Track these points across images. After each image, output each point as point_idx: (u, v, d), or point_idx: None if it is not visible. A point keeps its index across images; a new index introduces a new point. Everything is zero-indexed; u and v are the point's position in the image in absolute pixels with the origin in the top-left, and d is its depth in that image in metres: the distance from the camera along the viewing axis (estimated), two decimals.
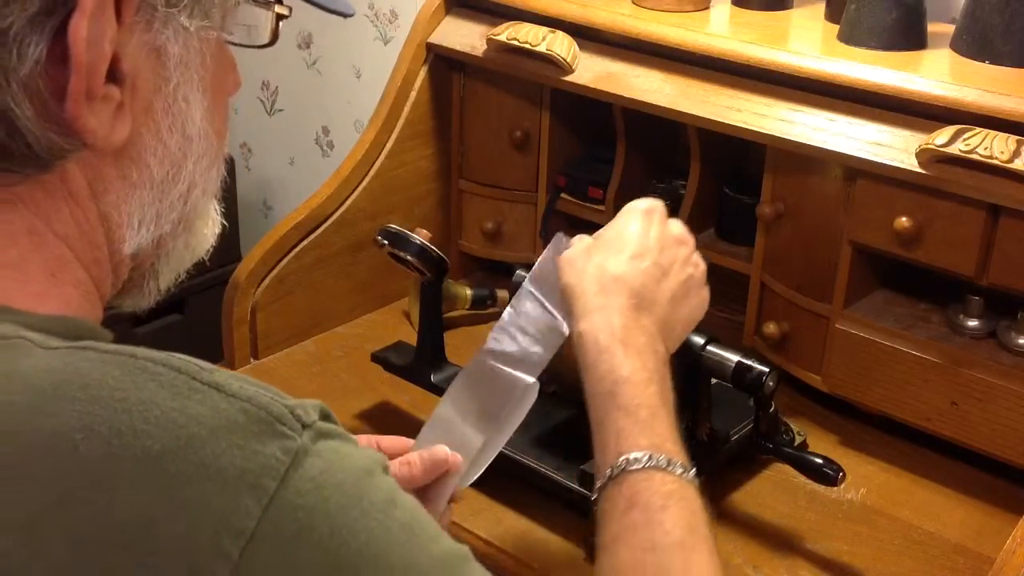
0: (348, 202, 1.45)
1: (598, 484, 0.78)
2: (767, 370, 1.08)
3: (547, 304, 0.98)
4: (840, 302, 1.20)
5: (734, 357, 1.08)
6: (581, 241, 0.93)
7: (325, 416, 0.53)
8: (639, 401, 0.80)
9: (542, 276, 0.99)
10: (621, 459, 0.77)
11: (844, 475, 1.05)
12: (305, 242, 1.42)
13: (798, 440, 1.20)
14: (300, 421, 0.51)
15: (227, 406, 0.50)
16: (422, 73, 1.49)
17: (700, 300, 0.93)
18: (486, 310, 1.49)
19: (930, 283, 1.20)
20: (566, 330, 0.94)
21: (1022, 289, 1.08)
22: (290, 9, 0.69)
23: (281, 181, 2.33)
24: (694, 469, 0.78)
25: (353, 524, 0.50)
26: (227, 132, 0.68)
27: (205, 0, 0.60)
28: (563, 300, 0.91)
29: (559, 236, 1.00)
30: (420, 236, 1.27)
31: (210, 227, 0.69)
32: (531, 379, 0.95)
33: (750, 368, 1.07)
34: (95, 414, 0.48)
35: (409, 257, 1.27)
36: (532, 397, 0.96)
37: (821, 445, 1.22)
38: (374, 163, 1.47)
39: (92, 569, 0.46)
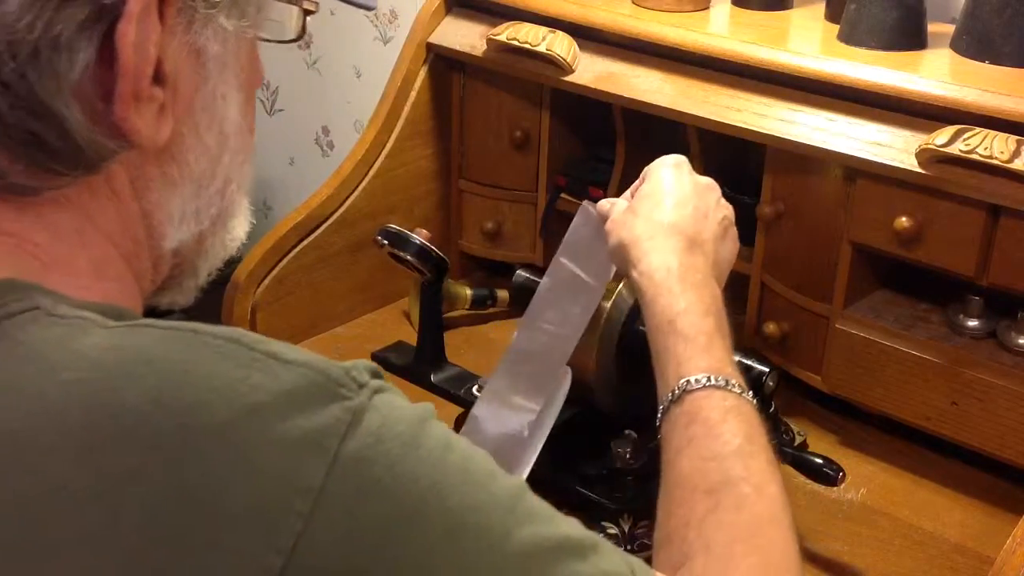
0: (348, 202, 1.45)
1: (661, 408, 0.84)
2: (767, 370, 1.08)
3: (578, 269, 1.05)
4: (840, 302, 1.20)
5: (734, 357, 1.08)
6: (617, 204, 1.00)
7: (375, 374, 0.55)
8: (697, 329, 0.86)
9: (573, 244, 1.05)
10: (682, 381, 0.83)
11: (844, 475, 1.05)
12: (305, 242, 1.42)
13: (798, 440, 1.20)
14: (356, 381, 0.53)
15: (286, 373, 0.52)
16: (422, 73, 1.49)
17: (734, 240, 1.01)
18: (486, 310, 1.49)
19: (930, 283, 1.20)
20: (601, 289, 1.04)
21: (1022, 289, 1.08)
22: (317, 4, 0.70)
23: (281, 181, 2.33)
24: (751, 391, 0.83)
25: (413, 471, 0.52)
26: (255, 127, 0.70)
27: (242, 0, 0.62)
28: (617, 257, 0.98)
29: (586, 203, 1.08)
30: (420, 236, 1.27)
31: (242, 223, 0.71)
32: (560, 369, 1.03)
33: (750, 368, 1.07)
34: (162, 388, 0.50)
35: (409, 257, 1.27)
36: (567, 384, 1.02)
37: (821, 445, 1.22)
38: (374, 163, 1.47)
39: (169, 535, 0.48)
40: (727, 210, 1.00)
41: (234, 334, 0.53)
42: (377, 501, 0.51)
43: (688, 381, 0.83)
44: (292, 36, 0.71)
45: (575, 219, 1.09)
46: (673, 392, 0.83)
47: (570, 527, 0.59)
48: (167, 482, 0.48)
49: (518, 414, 1.01)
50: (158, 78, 0.58)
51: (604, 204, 1.03)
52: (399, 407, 0.55)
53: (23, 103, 0.54)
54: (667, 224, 0.94)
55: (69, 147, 0.56)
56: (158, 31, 0.57)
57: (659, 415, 0.85)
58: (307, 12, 0.70)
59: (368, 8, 0.75)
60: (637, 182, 1.02)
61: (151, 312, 0.64)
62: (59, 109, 0.54)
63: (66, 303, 0.55)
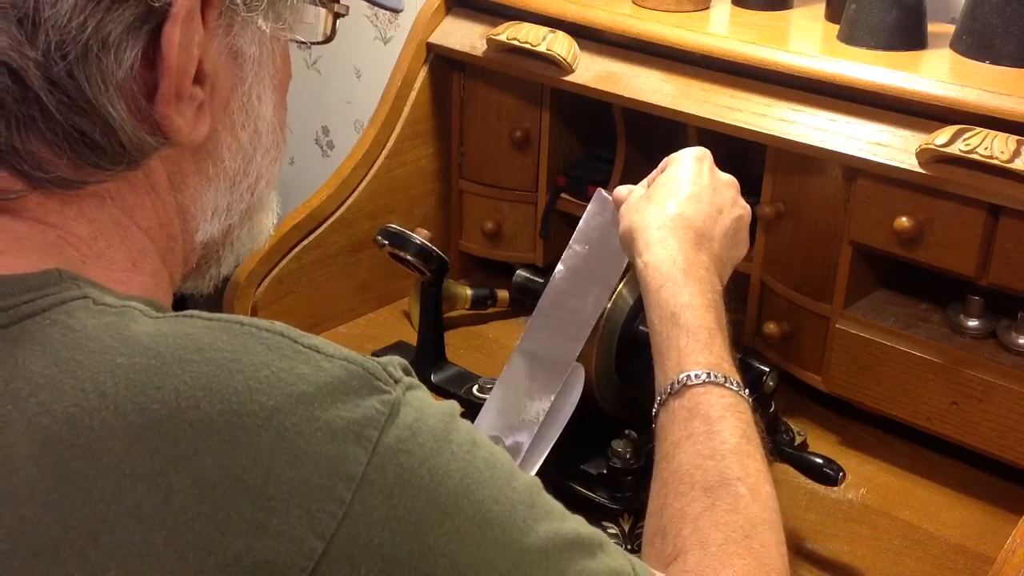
0: (348, 202, 1.45)
1: (658, 399, 0.85)
2: (767, 370, 1.08)
3: (591, 257, 1.06)
4: (840, 302, 1.20)
5: (733, 354, 1.08)
6: (634, 191, 1.01)
7: (407, 371, 0.58)
8: (699, 324, 0.87)
9: (586, 231, 1.05)
10: (683, 375, 0.84)
11: (844, 475, 1.05)
12: (305, 242, 1.42)
13: (798, 440, 1.20)
14: (392, 376, 0.56)
15: (329, 365, 0.54)
16: (422, 73, 1.48)
17: (745, 241, 1.01)
18: (486, 310, 1.49)
19: (930, 283, 1.20)
20: (615, 278, 1.04)
21: (1022, 289, 1.08)
22: (347, 8, 0.73)
23: (281, 181, 2.33)
24: (748, 389, 0.85)
25: (447, 465, 0.55)
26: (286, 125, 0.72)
27: (279, 3, 0.64)
28: (625, 241, 0.97)
29: (600, 191, 1.09)
30: (420, 236, 1.27)
31: (270, 218, 0.74)
32: (575, 357, 1.04)
33: (750, 368, 1.08)
34: (212, 374, 0.52)
35: (409, 257, 1.27)
36: (580, 383, 1.01)
37: (821, 445, 1.22)
38: (374, 163, 1.47)
39: (217, 514, 0.50)
40: (743, 210, 1.01)
41: (277, 327, 0.55)
42: (413, 492, 0.53)
43: (689, 376, 0.84)
44: (320, 39, 0.73)
45: (589, 206, 1.09)
46: (672, 385, 0.84)
47: (579, 524, 0.61)
48: (216, 465, 0.50)
49: (532, 407, 1.02)
50: (198, 78, 0.60)
51: (621, 190, 1.04)
52: (430, 403, 0.57)
53: (70, 101, 0.56)
54: (679, 215, 0.94)
55: (113, 144, 0.58)
56: (201, 32, 0.59)
57: (656, 405, 0.86)
58: (337, 15, 0.72)
59: (395, 10, 0.78)
60: (656, 171, 1.02)
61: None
62: (105, 107, 0.56)
63: (111, 294, 0.56)
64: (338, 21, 0.73)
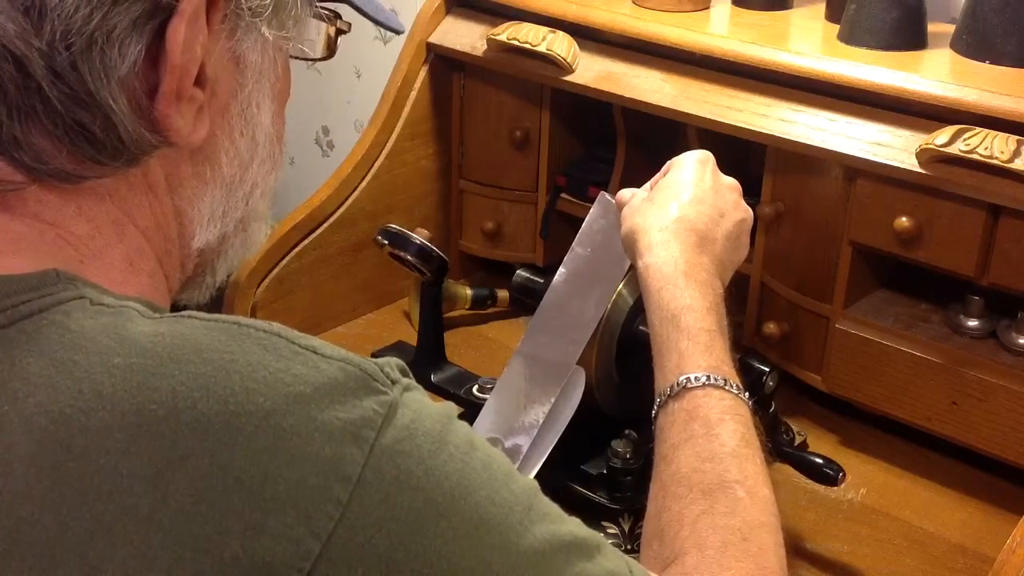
0: (348, 202, 1.45)
1: (658, 401, 0.86)
2: (767, 370, 1.08)
3: (594, 260, 1.06)
4: (840, 302, 1.20)
5: (733, 357, 1.08)
6: (637, 194, 1.02)
7: (405, 372, 0.58)
8: (700, 326, 0.87)
9: (589, 234, 1.06)
10: (683, 377, 0.84)
11: (844, 475, 1.05)
12: (305, 242, 1.42)
13: (798, 440, 1.20)
14: (389, 377, 0.56)
15: (326, 366, 0.54)
16: (422, 73, 1.48)
17: (745, 245, 1.01)
18: (486, 310, 1.49)
19: (930, 283, 1.20)
20: (617, 281, 1.05)
21: (1022, 289, 1.08)
22: (349, 25, 0.73)
23: (281, 181, 2.32)
24: (747, 392, 0.85)
25: (443, 466, 0.55)
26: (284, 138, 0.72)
27: (283, 12, 0.64)
28: (627, 243, 0.98)
29: (603, 194, 1.09)
30: (420, 236, 1.27)
31: (262, 228, 0.73)
32: (575, 360, 1.04)
33: (750, 368, 1.07)
34: (209, 375, 0.52)
35: (409, 257, 1.27)
36: (581, 385, 1.01)
37: (821, 445, 1.22)
38: (374, 163, 1.47)
39: (214, 516, 0.50)
40: (745, 213, 1.01)
41: (275, 328, 0.55)
42: (410, 493, 0.53)
43: (688, 378, 0.84)
44: (321, 55, 0.73)
45: (592, 210, 1.09)
46: (672, 387, 0.84)
47: (576, 527, 0.61)
48: (213, 465, 0.50)
49: (532, 409, 1.02)
50: (199, 80, 0.60)
51: (624, 193, 1.04)
52: (427, 405, 0.57)
53: (72, 92, 0.56)
54: (681, 218, 0.95)
55: (112, 139, 0.57)
56: (205, 34, 0.59)
57: (655, 407, 0.86)
58: (340, 31, 0.72)
59: (397, 32, 0.78)
60: (659, 173, 1.02)
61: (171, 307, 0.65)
62: (106, 100, 0.56)
63: (109, 294, 0.56)
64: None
